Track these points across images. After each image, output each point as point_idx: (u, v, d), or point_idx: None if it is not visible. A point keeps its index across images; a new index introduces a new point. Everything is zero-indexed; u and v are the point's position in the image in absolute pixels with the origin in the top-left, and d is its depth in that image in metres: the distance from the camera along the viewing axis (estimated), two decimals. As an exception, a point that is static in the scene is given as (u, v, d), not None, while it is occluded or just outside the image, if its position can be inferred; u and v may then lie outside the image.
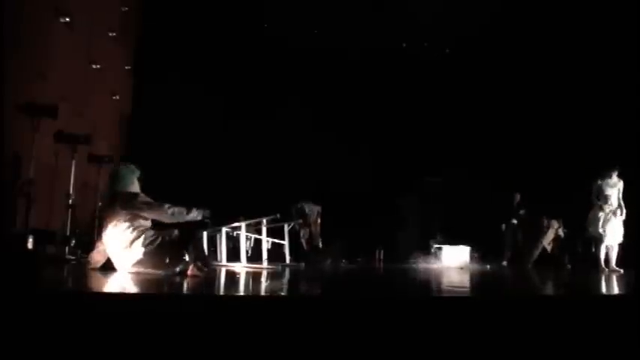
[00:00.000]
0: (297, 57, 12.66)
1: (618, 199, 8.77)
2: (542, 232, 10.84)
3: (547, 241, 10.84)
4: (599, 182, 8.82)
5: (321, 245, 11.29)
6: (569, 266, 10.38)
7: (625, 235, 8.81)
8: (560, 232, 10.82)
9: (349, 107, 12.73)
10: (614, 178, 8.81)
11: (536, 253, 10.91)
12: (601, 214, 8.69)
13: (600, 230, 8.67)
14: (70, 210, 7.74)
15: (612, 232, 8.66)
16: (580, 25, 11.46)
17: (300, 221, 10.83)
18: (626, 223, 8.81)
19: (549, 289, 5.79)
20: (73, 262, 6.74)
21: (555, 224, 10.79)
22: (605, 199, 8.70)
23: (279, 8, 12.38)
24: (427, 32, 12.92)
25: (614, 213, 8.70)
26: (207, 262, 5.88)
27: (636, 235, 9.06)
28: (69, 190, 7.84)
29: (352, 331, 3.08)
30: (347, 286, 5.78)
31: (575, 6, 11.50)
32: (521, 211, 11.32)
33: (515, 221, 11.31)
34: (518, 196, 11.44)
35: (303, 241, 10.98)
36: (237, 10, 12.21)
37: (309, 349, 2.99)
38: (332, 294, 4.66)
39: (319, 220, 11.44)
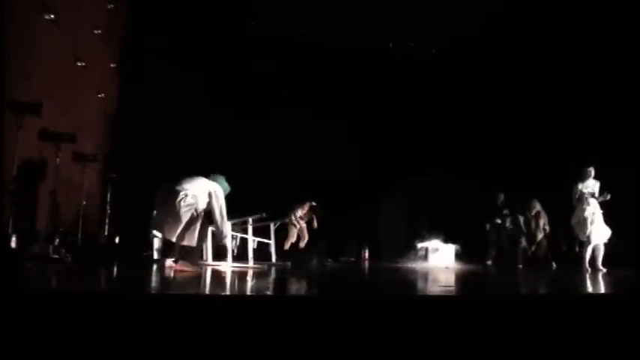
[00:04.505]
0: (284, 56, 12.64)
1: (596, 199, 8.87)
2: (533, 220, 10.79)
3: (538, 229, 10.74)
4: (579, 185, 8.94)
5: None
6: (554, 265, 10.45)
7: (625, 235, 8.97)
8: (546, 226, 10.76)
9: (335, 107, 12.73)
10: (592, 179, 8.94)
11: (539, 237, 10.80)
12: (586, 216, 8.79)
13: (587, 232, 8.76)
14: (54, 209, 7.69)
15: (598, 233, 8.77)
16: (564, 27, 11.57)
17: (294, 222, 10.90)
18: (626, 223, 8.98)
19: (537, 289, 5.84)
20: (57, 262, 6.69)
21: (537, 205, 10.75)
22: (587, 200, 8.79)
23: (265, 7, 12.35)
24: (413, 32, 12.96)
25: (596, 213, 8.81)
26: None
27: (636, 234, 9.22)
28: (53, 189, 7.79)
29: (337, 331, 3.09)
30: (332, 285, 5.79)
31: (560, 7, 11.60)
32: (505, 211, 11.38)
33: (499, 221, 11.37)
34: (502, 196, 11.51)
35: (291, 242, 10.98)
36: (224, 8, 12.16)
37: (296, 349, 3.00)
38: (318, 293, 4.67)
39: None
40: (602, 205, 8.89)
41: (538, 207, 10.76)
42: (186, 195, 6.12)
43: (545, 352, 3.29)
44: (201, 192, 6.25)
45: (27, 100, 6.95)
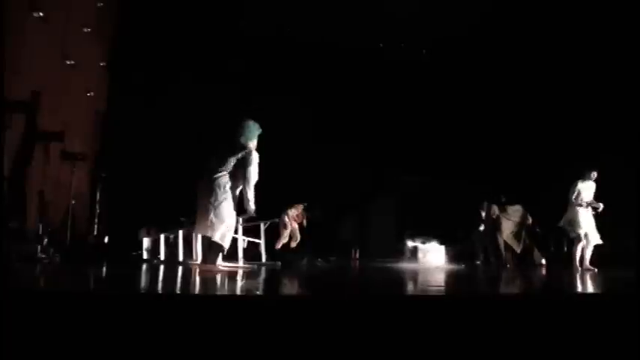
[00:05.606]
0: (273, 56, 12.63)
1: (589, 205, 8.94)
2: (495, 224, 10.87)
3: (507, 231, 10.81)
4: (579, 184, 8.95)
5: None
6: (543, 263, 10.50)
7: (614, 235, 9.05)
8: (528, 221, 10.84)
9: (324, 108, 12.73)
10: (592, 182, 8.99)
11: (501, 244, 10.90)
12: (580, 215, 8.84)
13: (580, 231, 8.81)
14: (42, 208, 7.64)
15: (592, 233, 8.83)
16: (552, 28, 11.64)
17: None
18: (625, 223, 9.07)
19: (528, 289, 5.86)
20: (46, 261, 6.65)
21: (496, 210, 10.83)
22: (583, 200, 8.84)
23: (255, 7, 12.33)
24: (404, 33, 12.99)
25: (590, 213, 8.88)
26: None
27: (636, 235, 9.28)
28: (41, 188, 7.74)
29: (326, 330, 3.09)
30: (322, 285, 5.79)
31: (551, 7, 11.66)
32: (484, 203, 11.47)
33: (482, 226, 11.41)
34: (485, 204, 11.59)
35: (283, 242, 10.98)
36: (213, 7, 12.13)
37: (285, 349, 3.00)
38: (307, 293, 4.67)
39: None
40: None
41: (496, 211, 10.85)
42: (235, 190, 6.25)
43: (535, 353, 3.30)
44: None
45: (15, 98, 6.90)
